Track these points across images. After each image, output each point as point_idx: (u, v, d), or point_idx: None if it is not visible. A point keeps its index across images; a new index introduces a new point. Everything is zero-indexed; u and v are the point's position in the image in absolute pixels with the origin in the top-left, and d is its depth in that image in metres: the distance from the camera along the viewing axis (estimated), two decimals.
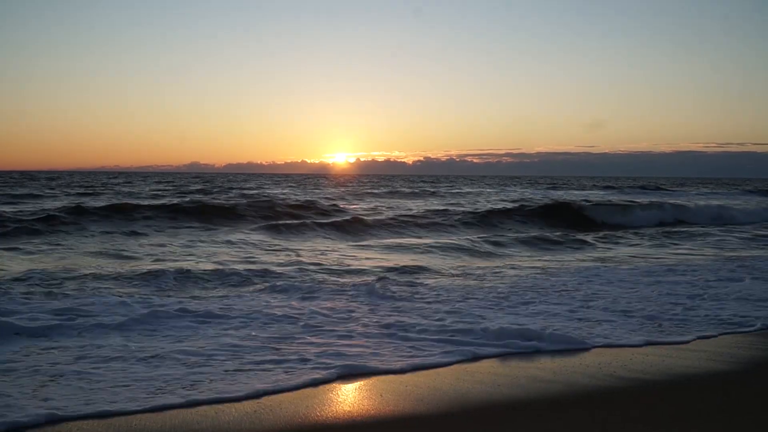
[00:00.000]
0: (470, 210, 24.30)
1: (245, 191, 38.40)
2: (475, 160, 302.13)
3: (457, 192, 45.78)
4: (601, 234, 18.47)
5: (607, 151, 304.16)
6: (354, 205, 28.19)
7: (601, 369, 5.37)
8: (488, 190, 51.92)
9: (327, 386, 4.90)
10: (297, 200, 26.74)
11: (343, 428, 4.12)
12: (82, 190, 36.29)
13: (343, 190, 46.91)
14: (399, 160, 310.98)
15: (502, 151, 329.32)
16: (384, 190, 44.48)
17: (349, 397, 4.70)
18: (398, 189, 46.58)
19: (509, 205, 26.68)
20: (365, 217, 20.35)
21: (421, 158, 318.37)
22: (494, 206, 26.64)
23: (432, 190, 46.83)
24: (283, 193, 36.49)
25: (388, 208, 26.90)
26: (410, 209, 25.21)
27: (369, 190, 44.90)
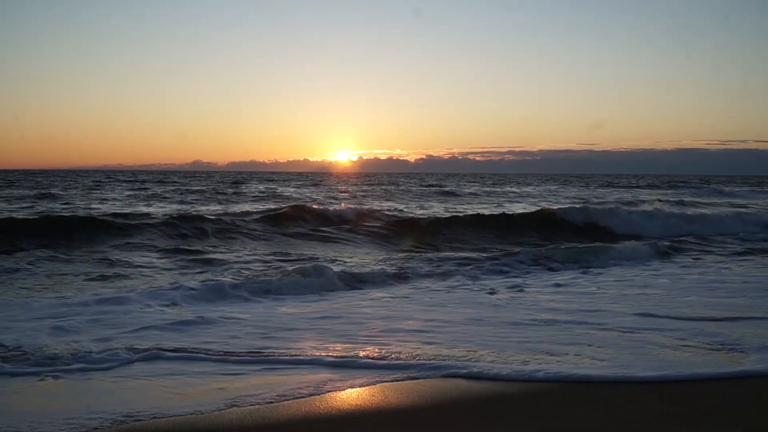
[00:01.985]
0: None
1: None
2: (477, 158, 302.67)
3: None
4: None
5: (609, 148, 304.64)
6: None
7: None
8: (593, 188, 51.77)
9: None
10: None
11: None
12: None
13: (358, 190, 46.96)
14: (401, 158, 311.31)
15: (504, 149, 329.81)
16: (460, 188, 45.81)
17: None
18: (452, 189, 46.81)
19: None
20: None
21: (423, 156, 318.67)
22: None
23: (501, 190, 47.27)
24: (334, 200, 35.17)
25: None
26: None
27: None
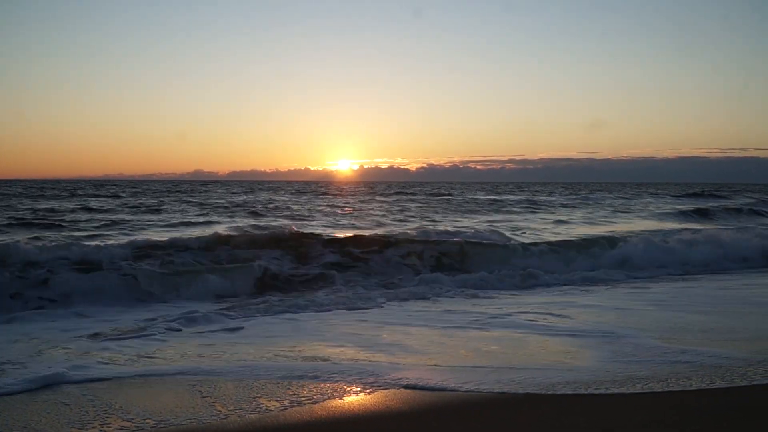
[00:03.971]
0: None
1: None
2: (478, 167, 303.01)
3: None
4: None
5: (610, 157, 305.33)
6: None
7: None
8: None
9: None
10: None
11: None
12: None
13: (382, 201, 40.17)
14: (402, 166, 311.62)
15: (505, 158, 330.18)
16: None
17: None
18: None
19: None
20: None
21: (425, 165, 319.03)
22: None
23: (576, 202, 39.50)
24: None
25: None
26: None
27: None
